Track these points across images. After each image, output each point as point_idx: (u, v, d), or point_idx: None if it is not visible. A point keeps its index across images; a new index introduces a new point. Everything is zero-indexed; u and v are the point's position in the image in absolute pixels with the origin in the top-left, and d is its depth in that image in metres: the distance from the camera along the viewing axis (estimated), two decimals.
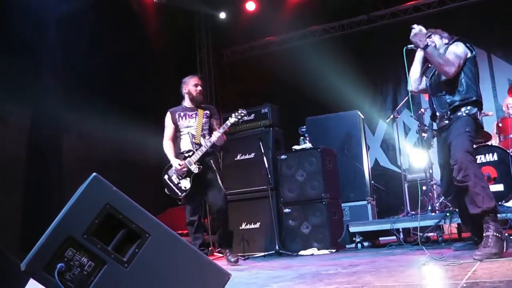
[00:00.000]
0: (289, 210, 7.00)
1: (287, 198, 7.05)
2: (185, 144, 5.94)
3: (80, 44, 8.09)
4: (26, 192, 7.57)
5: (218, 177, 5.84)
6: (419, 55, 4.93)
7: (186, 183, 5.80)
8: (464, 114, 4.54)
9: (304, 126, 7.75)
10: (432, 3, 10.24)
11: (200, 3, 11.25)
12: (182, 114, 6.02)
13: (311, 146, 7.17)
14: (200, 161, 5.78)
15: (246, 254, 7.04)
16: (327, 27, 11.16)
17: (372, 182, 8.39)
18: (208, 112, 6.04)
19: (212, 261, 2.65)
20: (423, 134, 6.90)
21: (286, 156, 7.16)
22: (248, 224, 7.42)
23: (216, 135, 5.75)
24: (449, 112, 4.63)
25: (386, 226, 6.46)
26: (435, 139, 5.36)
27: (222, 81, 11.91)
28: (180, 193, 5.84)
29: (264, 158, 7.02)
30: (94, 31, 8.28)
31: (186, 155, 5.87)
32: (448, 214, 5.87)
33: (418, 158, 8.49)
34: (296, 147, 7.30)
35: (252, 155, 7.49)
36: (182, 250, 2.52)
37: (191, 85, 6.06)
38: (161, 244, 2.46)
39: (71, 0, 7.94)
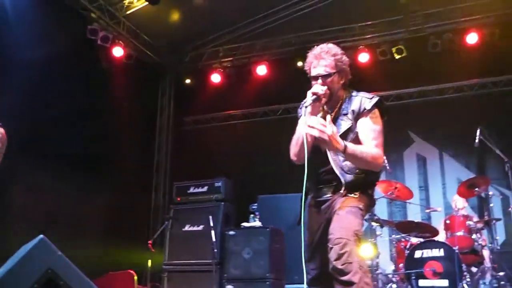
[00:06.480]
0: (232, 286, 6.92)
1: (231, 275, 6.99)
2: None
3: (39, 92, 7.95)
4: None
5: None
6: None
7: None
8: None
9: (256, 204, 7.75)
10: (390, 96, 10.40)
11: (167, 69, 11.46)
12: None
13: (261, 225, 7.17)
14: None
15: None
16: (289, 107, 11.31)
17: None
18: None
19: None
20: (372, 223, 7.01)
21: (234, 232, 7.15)
22: None
23: None
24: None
25: None
26: None
27: (179, 148, 11.84)
28: None
29: (212, 232, 7.00)
30: (55, 81, 8.18)
31: None
32: None
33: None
34: (245, 224, 7.29)
35: (201, 227, 7.46)
36: None
37: None
38: None
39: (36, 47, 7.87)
